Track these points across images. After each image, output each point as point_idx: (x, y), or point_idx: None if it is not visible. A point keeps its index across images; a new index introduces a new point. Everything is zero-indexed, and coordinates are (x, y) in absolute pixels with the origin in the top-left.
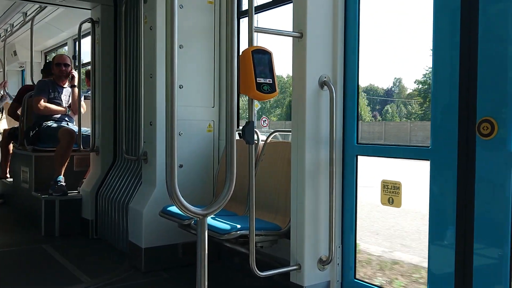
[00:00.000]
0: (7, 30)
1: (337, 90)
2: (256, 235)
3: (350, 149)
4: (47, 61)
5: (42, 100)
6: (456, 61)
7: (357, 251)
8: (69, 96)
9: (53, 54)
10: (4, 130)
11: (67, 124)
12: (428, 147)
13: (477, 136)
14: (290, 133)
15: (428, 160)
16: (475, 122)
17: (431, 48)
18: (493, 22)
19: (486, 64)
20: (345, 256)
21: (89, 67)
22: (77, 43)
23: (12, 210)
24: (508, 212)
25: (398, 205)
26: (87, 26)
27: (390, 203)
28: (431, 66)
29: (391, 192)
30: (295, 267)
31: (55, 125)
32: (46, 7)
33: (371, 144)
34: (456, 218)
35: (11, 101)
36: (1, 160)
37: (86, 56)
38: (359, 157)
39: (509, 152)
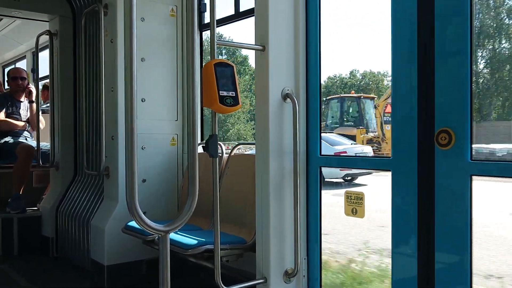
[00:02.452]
0: None
1: (300, 102)
2: (221, 249)
3: (313, 161)
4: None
5: (1, 114)
6: (414, 74)
7: (322, 262)
8: (27, 111)
9: (12, 67)
10: None
11: (26, 140)
12: (389, 157)
13: (436, 147)
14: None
15: (390, 170)
16: (433, 132)
17: (390, 60)
18: (449, 36)
19: (443, 77)
20: (310, 267)
21: (47, 81)
22: (35, 56)
23: None
24: (467, 220)
25: (362, 215)
26: (45, 38)
27: (354, 213)
28: (390, 78)
29: (354, 203)
30: (261, 281)
31: (12, 140)
32: (2, 19)
33: (334, 156)
34: (417, 227)
35: None
36: None
37: (45, 69)
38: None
39: (466, 162)
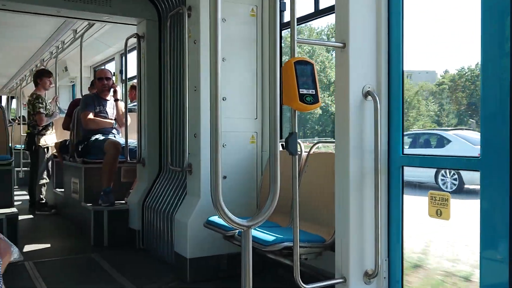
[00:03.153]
0: (58, 47)
1: (381, 100)
2: (300, 247)
3: (395, 160)
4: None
5: (90, 115)
6: (507, 69)
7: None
8: (114, 109)
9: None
10: (55, 143)
11: (114, 137)
12: (478, 157)
13: None
14: (334, 144)
15: (478, 171)
16: None
17: (480, 56)
18: None
19: None
20: (391, 269)
21: (135, 81)
22: (123, 57)
23: (63, 219)
24: None
25: (447, 217)
26: (133, 41)
27: (438, 215)
28: (480, 74)
29: (439, 204)
30: (340, 280)
31: (102, 137)
32: (94, 23)
33: (417, 155)
34: (509, 231)
35: (63, 115)
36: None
37: (132, 70)
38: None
39: None
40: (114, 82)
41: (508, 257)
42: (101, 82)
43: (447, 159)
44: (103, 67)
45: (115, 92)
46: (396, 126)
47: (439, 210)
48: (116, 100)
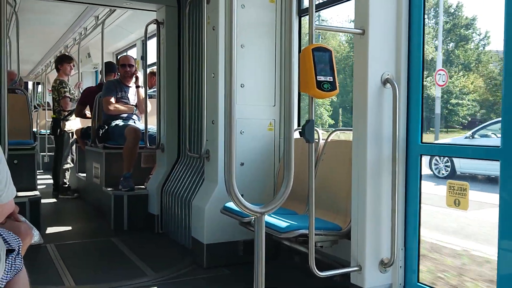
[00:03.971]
0: (81, 33)
1: (400, 87)
2: (315, 234)
3: (413, 148)
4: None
5: (111, 100)
6: None
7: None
8: (135, 95)
9: (122, 55)
10: (76, 130)
11: (134, 123)
12: (498, 146)
13: None
14: (351, 132)
15: (498, 160)
16: None
17: (503, 45)
18: None
19: None
20: (408, 258)
21: (154, 68)
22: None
23: (85, 204)
24: None
25: (465, 207)
26: (153, 27)
27: (457, 205)
28: (503, 64)
29: (457, 194)
30: (356, 268)
31: (122, 123)
32: (115, 10)
33: (436, 144)
34: None
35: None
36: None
37: (152, 56)
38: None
39: None
40: (137, 69)
41: None
42: (123, 69)
43: (467, 149)
44: (125, 54)
45: (137, 78)
46: (415, 114)
47: (457, 200)
48: (137, 86)
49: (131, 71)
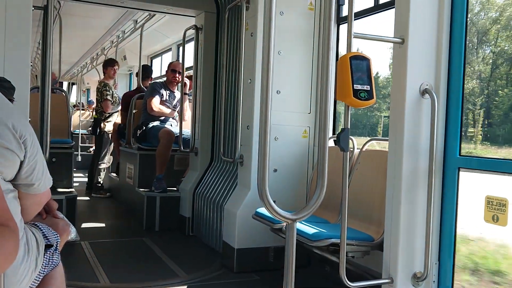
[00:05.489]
0: (119, 36)
1: (439, 98)
2: (347, 244)
3: (451, 161)
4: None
5: (157, 100)
6: None
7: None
8: (177, 101)
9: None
10: (115, 123)
11: (171, 126)
12: None
13: None
14: (387, 142)
15: None
16: None
17: None
18: None
19: None
20: (441, 273)
21: (188, 72)
22: (181, 48)
23: (117, 203)
24: None
25: (504, 223)
26: (190, 32)
27: (495, 221)
28: None
29: (496, 209)
30: (387, 280)
31: (159, 125)
32: (155, 14)
33: (476, 157)
34: None
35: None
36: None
37: (188, 61)
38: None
39: None
40: (186, 77)
41: None
42: (173, 74)
43: (507, 163)
44: (177, 60)
45: (185, 85)
46: (454, 126)
47: (495, 216)
48: (185, 94)
49: (179, 78)
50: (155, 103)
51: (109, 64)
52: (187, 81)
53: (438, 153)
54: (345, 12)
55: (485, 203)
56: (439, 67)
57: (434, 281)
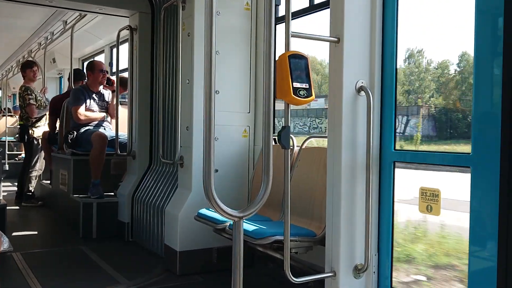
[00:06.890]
0: (47, 38)
1: (374, 95)
2: (290, 240)
3: (387, 156)
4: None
5: (81, 109)
6: (499, 66)
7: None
8: (104, 101)
9: (92, 60)
10: (43, 132)
11: (105, 129)
12: (469, 153)
13: None
14: (326, 138)
15: (469, 167)
16: None
17: (473, 53)
18: None
19: None
20: (381, 264)
21: (122, 74)
22: (114, 50)
23: (51, 212)
24: None
25: (437, 213)
26: (124, 33)
27: (429, 211)
28: (473, 72)
29: (429, 200)
30: (330, 274)
31: (91, 129)
32: (86, 15)
33: (409, 151)
34: (498, 229)
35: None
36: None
37: (122, 62)
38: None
39: None
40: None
41: (496, 255)
42: (102, 74)
43: (438, 155)
44: (94, 60)
45: (112, 82)
46: (389, 122)
47: (429, 206)
48: (113, 91)
49: (105, 77)
50: (81, 112)
51: (27, 67)
52: (113, 78)
53: (375, 148)
54: (281, 12)
55: (420, 194)
56: (373, 65)
57: (374, 272)
